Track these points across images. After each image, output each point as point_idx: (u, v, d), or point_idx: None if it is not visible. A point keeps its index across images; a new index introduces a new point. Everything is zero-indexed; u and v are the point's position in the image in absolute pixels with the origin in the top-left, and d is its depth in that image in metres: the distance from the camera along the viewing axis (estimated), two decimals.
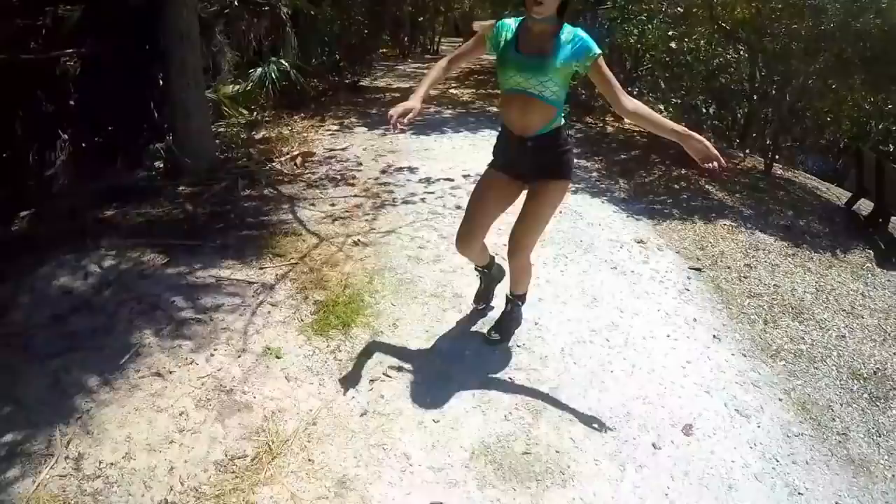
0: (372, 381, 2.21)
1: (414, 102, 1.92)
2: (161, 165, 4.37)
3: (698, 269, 3.46)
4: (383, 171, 4.87)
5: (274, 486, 1.72)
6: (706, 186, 4.88)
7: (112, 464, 1.76)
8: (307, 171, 4.84)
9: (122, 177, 4.23)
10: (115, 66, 4.04)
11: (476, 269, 2.63)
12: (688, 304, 3.02)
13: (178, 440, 1.87)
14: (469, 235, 2.26)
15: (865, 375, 2.60)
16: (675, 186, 4.91)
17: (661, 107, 6.13)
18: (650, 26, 6.19)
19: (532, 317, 2.69)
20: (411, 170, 4.91)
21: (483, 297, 2.71)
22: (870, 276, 3.68)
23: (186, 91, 3.88)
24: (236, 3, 4.94)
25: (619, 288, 3.11)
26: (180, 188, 4.03)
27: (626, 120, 6.10)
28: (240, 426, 1.95)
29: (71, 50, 3.88)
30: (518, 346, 2.50)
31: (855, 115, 5.98)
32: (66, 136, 4.09)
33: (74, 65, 3.97)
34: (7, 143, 3.75)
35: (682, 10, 5.83)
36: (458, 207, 3.93)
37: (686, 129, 1.88)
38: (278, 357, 2.31)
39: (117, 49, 4.02)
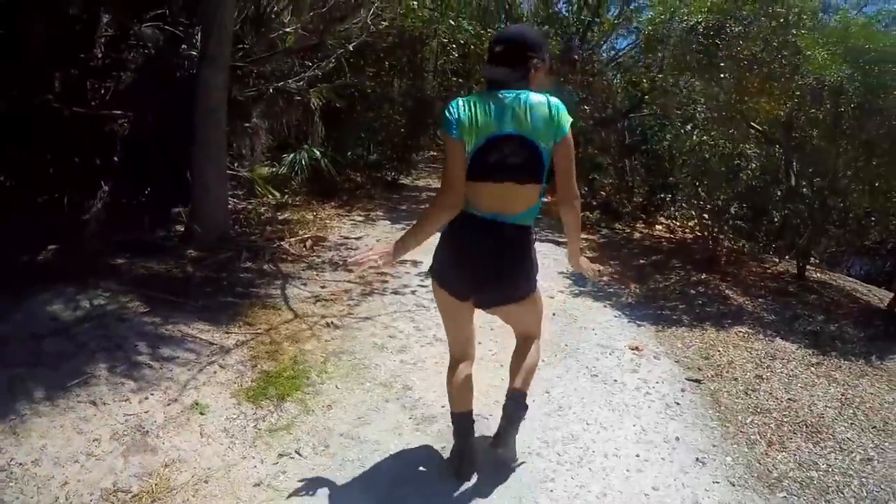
0: (280, 455, 2.33)
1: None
2: (180, 230, 4.87)
3: (697, 381, 3.26)
4: (389, 266, 5.18)
5: None
6: (726, 291, 4.71)
7: (20, 464, 2.01)
8: (314, 254, 5.23)
9: (145, 233, 4.73)
10: (156, 134, 4.71)
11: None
12: (673, 420, 2.82)
13: (81, 461, 2.08)
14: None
15: None
16: (692, 291, 4.75)
17: (693, 213, 6.10)
18: (683, 131, 6.21)
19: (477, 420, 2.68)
20: (415, 263, 5.09)
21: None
22: None
23: (208, 165, 4.44)
24: (271, 90, 5.66)
25: (593, 398, 2.96)
26: (188, 251, 4.47)
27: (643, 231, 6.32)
28: (139, 465, 2.12)
29: (120, 112, 4.57)
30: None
31: None
32: (106, 189, 4.68)
33: (122, 127, 4.66)
34: (50, 186, 4.33)
35: (716, 116, 5.70)
36: None
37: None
38: (202, 413, 2.50)
39: (160, 119, 4.69)
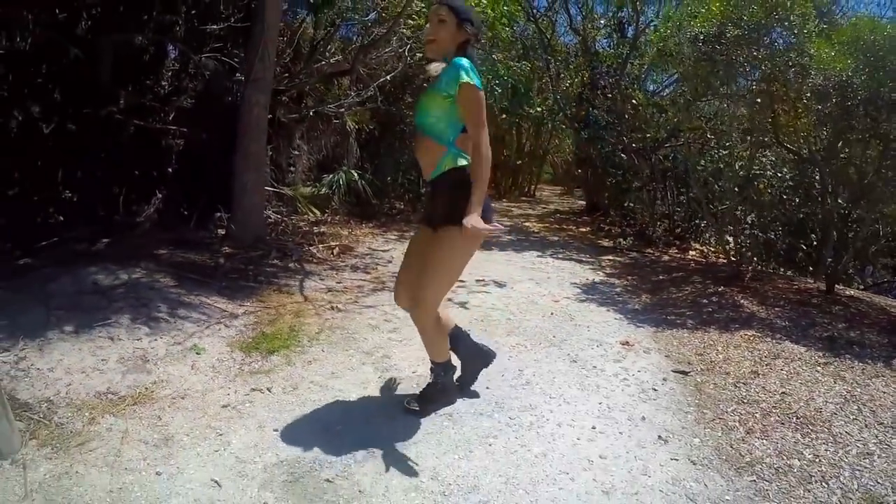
0: (253, 389, 2.72)
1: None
2: (221, 232, 5.52)
3: (683, 373, 3.22)
4: None
5: (118, 417, 2.28)
6: (741, 301, 4.57)
7: (38, 368, 2.54)
8: (339, 259, 5.73)
9: (189, 233, 5.40)
10: (207, 149, 5.44)
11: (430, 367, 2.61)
12: (645, 403, 2.81)
13: (87, 372, 2.57)
14: (396, 284, 2.51)
15: (892, 502, 2.12)
16: (704, 301, 4.69)
17: (730, 238, 6.10)
18: (717, 155, 6.21)
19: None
20: None
21: (422, 402, 2.58)
22: None
23: (248, 173, 5.08)
24: (311, 113, 6.34)
25: (565, 378, 3.05)
26: (224, 248, 5.07)
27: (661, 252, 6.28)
28: (133, 381, 2.60)
29: (175, 128, 5.35)
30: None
31: None
32: (160, 196, 5.43)
33: (177, 142, 5.43)
34: (110, 191, 5.11)
35: (750, 139, 5.71)
36: (449, 300, 4.39)
37: (474, 208, 2.07)
38: (197, 353, 2.95)
39: (211, 137, 5.43)
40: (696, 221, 7.43)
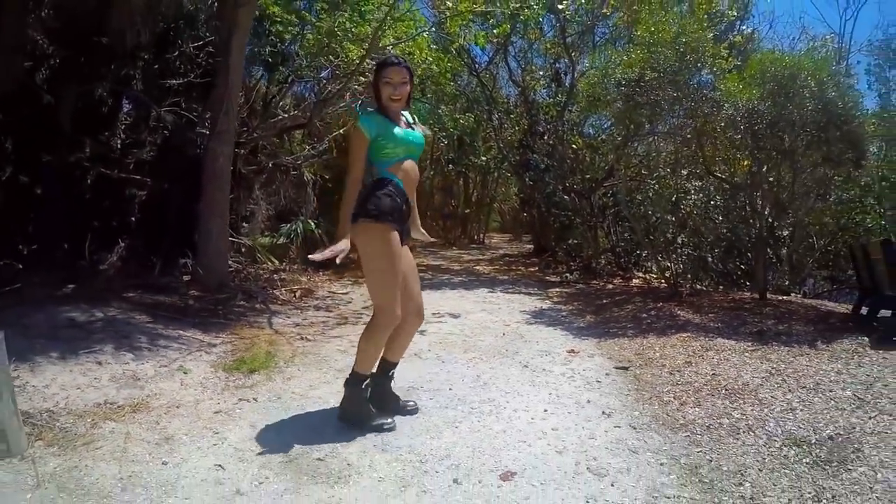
0: (240, 399, 3.03)
1: (345, 244, 2.51)
2: (185, 278, 5.78)
3: (624, 368, 3.67)
4: (365, 307, 5.95)
5: (118, 423, 2.56)
6: (678, 312, 5.09)
7: (34, 386, 2.78)
8: (301, 301, 6.05)
9: (154, 279, 5.63)
10: (169, 199, 5.77)
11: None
12: (590, 391, 3.23)
13: (83, 388, 2.85)
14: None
15: (813, 441, 2.50)
16: (643, 315, 5.23)
17: (671, 265, 6.80)
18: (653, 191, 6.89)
19: (403, 391, 3.23)
20: None
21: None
22: (855, 357, 3.58)
23: (213, 219, 5.41)
24: (271, 165, 6.79)
25: (518, 379, 3.47)
26: (191, 291, 5.34)
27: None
28: (127, 394, 2.87)
29: (138, 177, 5.68)
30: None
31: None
32: (122, 245, 5.67)
33: (140, 193, 5.74)
34: (72, 238, 5.34)
35: (685, 173, 6.53)
36: None
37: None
38: (185, 373, 3.25)
39: (172, 187, 5.78)
40: (638, 252, 8.16)
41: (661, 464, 2.39)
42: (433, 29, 7.21)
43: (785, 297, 5.86)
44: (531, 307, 6.15)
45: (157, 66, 6.34)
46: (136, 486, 2.14)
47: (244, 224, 7.25)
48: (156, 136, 6.26)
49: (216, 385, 3.18)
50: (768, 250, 5.92)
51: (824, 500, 2.10)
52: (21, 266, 5.09)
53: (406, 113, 2.75)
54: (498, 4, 6.40)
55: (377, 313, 2.64)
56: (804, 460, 2.38)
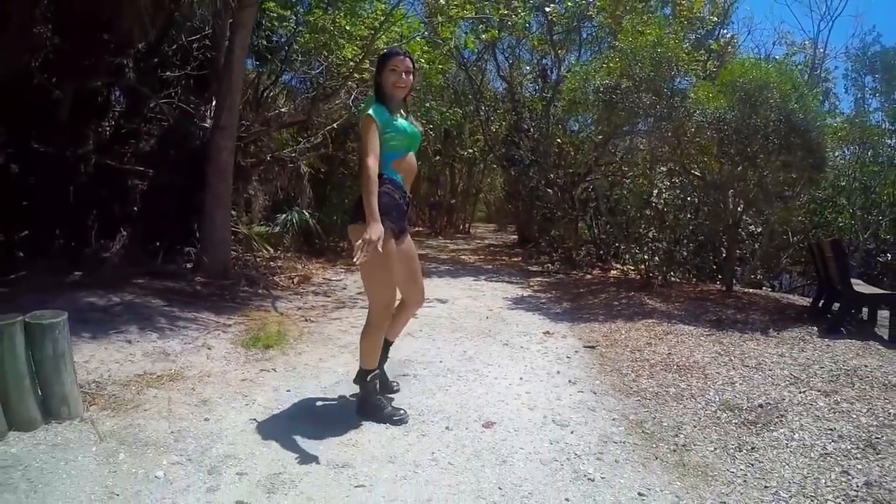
0: (262, 370, 3.51)
1: (378, 230, 2.41)
2: (190, 264, 6.21)
3: (592, 347, 4.25)
4: (359, 293, 6.44)
5: (160, 389, 3.04)
6: (647, 301, 5.74)
7: (76, 361, 3.12)
8: (300, 287, 6.52)
9: (159, 267, 6.06)
10: (171, 189, 6.19)
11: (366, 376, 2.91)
12: (559, 364, 3.81)
13: (120, 362, 3.29)
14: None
15: (745, 408, 2.99)
16: (615, 303, 5.87)
17: (646, 257, 7.36)
18: (633, 185, 7.52)
19: (400, 363, 3.80)
20: None
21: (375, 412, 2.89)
22: (800, 343, 4.10)
23: (217, 210, 5.84)
24: (269, 158, 7.23)
25: (499, 354, 4.02)
26: (196, 277, 5.78)
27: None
28: (162, 367, 3.32)
29: (142, 168, 6.09)
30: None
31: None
32: (124, 234, 6.09)
33: (142, 183, 6.16)
34: (76, 228, 5.74)
35: (664, 169, 7.17)
36: None
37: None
38: (209, 349, 3.71)
39: (173, 178, 6.20)
40: (617, 245, 8.75)
41: (614, 419, 2.93)
42: (425, 33, 7.64)
43: (750, 290, 6.48)
44: (513, 294, 6.70)
45: (155, 59, 6.73)
46: (186, 437, 2.61)
47: (245, 212, 7.67)
48: (151, 127, 6.67)
49: (238, 359, 3.66)
50: (740, 246, 6.53)
51: (744, 450, 2.58)
52: (21, 254, 5.50)
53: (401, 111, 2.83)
54: (487, 11, 6.86)
55: (372, 312, 2.74)
56: (734, 421, 2.88)
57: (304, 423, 2.78)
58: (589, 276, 8.16)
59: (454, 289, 7.02)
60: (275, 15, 7.22)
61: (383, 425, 2.80)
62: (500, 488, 2.26)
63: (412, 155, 2.80)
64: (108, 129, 6.61)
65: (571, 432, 2.76)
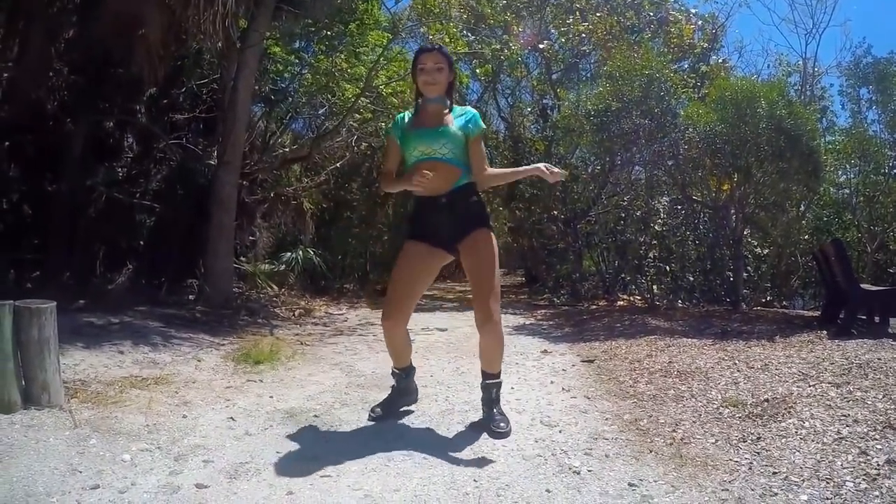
0: (248, 380, 3.53)
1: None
2: (192, 296, 6.31)
3: (590, 361, 4.15)
4: (359, 324, 6.47)
5: (143, 390, 3.06)
6: (650, 321, 5.58)
7: (65, 363, 3.20)
8: (301, 320, 6.56)
9: (162, 297, 6.16)
10: (175, 225, 6.37)
11: (393, 372, 2.96)
12: (555, 376, 3.71)
13: (109, 367, 3.36)
14: (398, 306, 2.68)
15: (749, 403, 2.87)
16: (617, 325, 5.74)
17: (655, 287, 7.31)
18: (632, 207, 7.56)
19: (388, 377, 3.77)
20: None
21: (386, 406, 2.90)
22: (809, 346, 3.98)
23: (220, 242, 5.99)
24: (272, 195, 7.43)
25: None
26: (198, 307, 5.85)
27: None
28: (149, 373, 3.36)
29: (148, 203, 6.29)
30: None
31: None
32: (130, 267, 6.24)
33: (149, 219, 6.36)
34: (84, 261, 5.90)
35: (666, 200, 7.22)
36: None
37: (527, 167, 2.64)
38: (199, 361, 3.76)
39: (178, 214, 6.39)
40: (623, 276, 8.71)
41: (606, 419, 2.84)
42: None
43: (756, 308, 6.37)
44: (515, 323, 6.66)
45: (165, 101, 7.07)
46: (160, 430, 2.61)
47: (247, 251, 7.82)
48: (160, 168, 6.93)
49: (226, 370, 3.68)
50: (746, 268, 6.49)
51: (749, 441, 2.44)
52: (30, 285, 5.64)
53: (455, 106, 2.65)
54: (480, 46, 7.15)
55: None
56: (737, 415, 2.75)
57: (280, 423, 2.78)
58: (594, 307, 8.09)
59: (455, 320, 6.98)
60: (280, 60, 7.60)
61: (361, 424, 2.79)
62: (475, 480, 2.20)
63: (432, 164, 2.53)
64: (119, 167, 6.88)
65: (560, 431, 2.69)
